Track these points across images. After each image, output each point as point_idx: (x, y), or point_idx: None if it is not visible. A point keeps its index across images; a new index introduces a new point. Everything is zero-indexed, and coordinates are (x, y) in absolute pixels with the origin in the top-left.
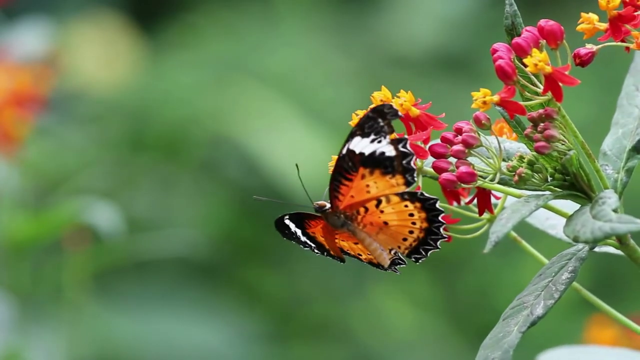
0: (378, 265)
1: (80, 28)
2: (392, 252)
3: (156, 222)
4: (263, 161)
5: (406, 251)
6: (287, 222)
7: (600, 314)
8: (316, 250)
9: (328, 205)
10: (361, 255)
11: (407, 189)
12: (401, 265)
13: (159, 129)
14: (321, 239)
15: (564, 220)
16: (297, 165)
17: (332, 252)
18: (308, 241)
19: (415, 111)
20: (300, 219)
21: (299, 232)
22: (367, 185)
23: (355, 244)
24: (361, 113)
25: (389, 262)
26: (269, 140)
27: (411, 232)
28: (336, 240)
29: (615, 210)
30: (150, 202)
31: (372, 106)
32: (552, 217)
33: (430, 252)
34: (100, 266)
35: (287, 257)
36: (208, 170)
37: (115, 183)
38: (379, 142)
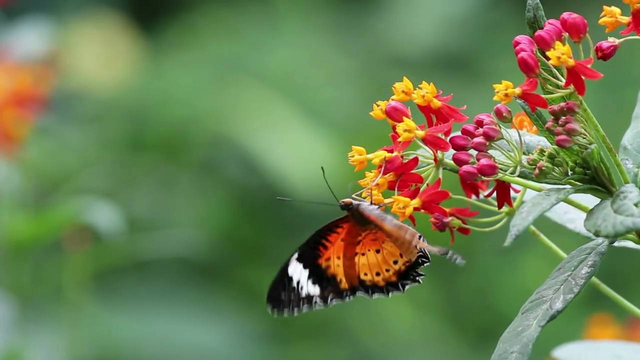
0: (396, 287)
1: (80, 28)
2: (416, 246)
3: (156, 222)
4: (263, 161)
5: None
6: (291, 267)
7: (601, 312)
8: (318, 300)
9: (355, 202)
10: (379, 274)
11: None
12: (426, 264)
13: (159, 129)
14: (335, 264)
15: (582, 214)
16: (322, 168)
17: (344, 282)
18: (311, 291)
19: (437, 103)
20: (319, 238)
21: (302, 279)
22: None
23: (377, 252)
24: (382, 104)
25: (416, 254)
26: (269, 140)
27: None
28: (355, 259)
29: (636, 205)
30: (150, 202)
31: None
32: (571, 210)
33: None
34: (100, 266)
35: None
36: (208, 170)
37: (115, 183)
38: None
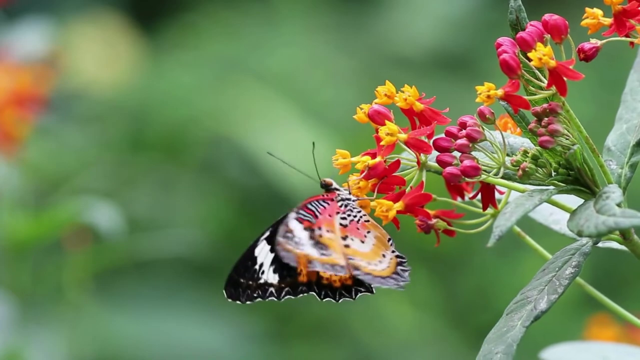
0: (350, 291)
1: (80, 28)
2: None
3: (156, 222)
4: (263, 161)
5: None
6: (259, 247)
7: (601, 312)
8: (273, 291)
9: (334, 185)
10: (337, 275)
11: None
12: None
13: (159, 129)
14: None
15: (567, 215)
16: (313, 143)
17: (303, 273)
18: (270, 279)
19: (419, 106)
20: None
21: (266, 263)
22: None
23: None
24: (365, 107)
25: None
26: (269, 140)
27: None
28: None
29: (619, 205)
30: (150, 202)
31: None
32: (556, 212)
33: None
34: (100, 266)
35: None
36: (208, 170)
37: (115, 183)
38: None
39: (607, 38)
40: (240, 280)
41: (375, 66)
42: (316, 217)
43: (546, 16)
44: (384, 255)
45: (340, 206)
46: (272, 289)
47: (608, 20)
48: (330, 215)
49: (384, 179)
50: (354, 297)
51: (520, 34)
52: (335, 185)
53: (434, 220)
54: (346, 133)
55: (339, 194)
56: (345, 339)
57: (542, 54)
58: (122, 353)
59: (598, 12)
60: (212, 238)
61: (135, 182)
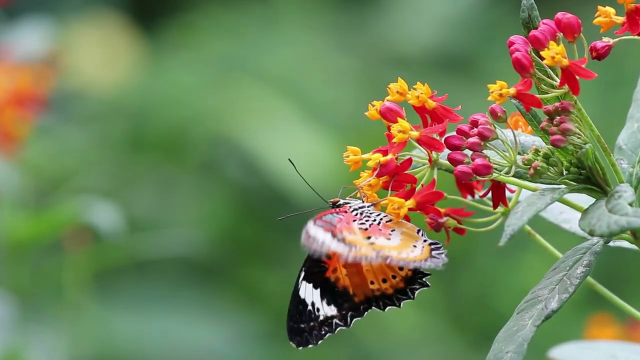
0: (406, 293)
1: (80, 28)
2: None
3: (156, 222)
4: (263, 161)
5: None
6: (301, 289)
7: (602, 312)
8: (338, 321)
9: (341, 200)
10: (386, 281)
11: None
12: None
13: (159, 129)
14: (343, 275)
15: (577, 214)
16: (290, 160)
17: (357, 294)
18: (328, 312)
19: (431, 103)
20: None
21: (316, 299)
22: None
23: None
24: (377, 104)
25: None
26: (269, 140)
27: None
28: (359, 265)
29: (630, 204)
30: (150, 202)
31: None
32: (566, 211)
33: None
34: (100, 266)
35: (287, 257)
36: (208, 170)
37: (115, 183)
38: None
39: (619, 36)
40: (301, 326)
41: (375, 66)
42: (334, 226)
43: (559, 14)
44: (415, 246)
45: (355, 215)
46: (335, 320)
47: (620, 19)
48: (347, 223)
49: (395, 177)
50: (412, 297)
51: (533, 32)
52: (342, 200)
53: (444, 218)
54: (346, 133)
55: (350, 206)
56: (345, 339)
57: (555, 52)
58: (122, 353)
59: (610, 10)
60: (212, 238)
61: (135, 182)
